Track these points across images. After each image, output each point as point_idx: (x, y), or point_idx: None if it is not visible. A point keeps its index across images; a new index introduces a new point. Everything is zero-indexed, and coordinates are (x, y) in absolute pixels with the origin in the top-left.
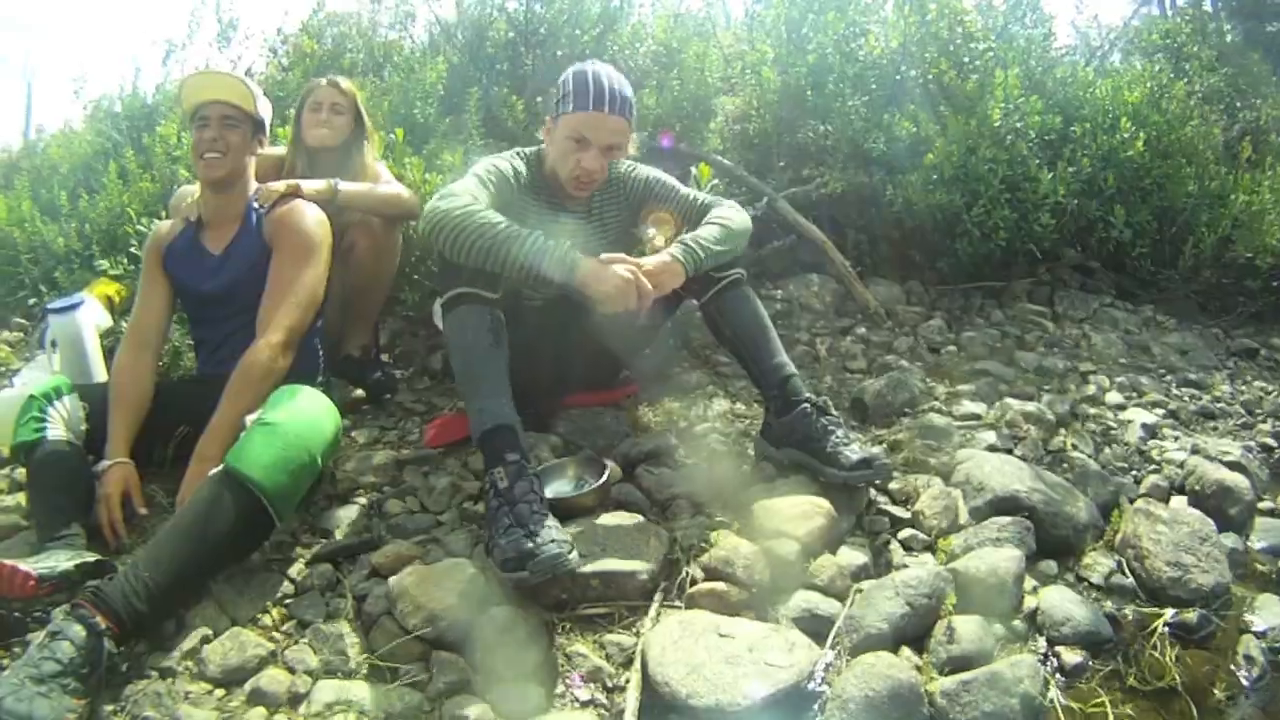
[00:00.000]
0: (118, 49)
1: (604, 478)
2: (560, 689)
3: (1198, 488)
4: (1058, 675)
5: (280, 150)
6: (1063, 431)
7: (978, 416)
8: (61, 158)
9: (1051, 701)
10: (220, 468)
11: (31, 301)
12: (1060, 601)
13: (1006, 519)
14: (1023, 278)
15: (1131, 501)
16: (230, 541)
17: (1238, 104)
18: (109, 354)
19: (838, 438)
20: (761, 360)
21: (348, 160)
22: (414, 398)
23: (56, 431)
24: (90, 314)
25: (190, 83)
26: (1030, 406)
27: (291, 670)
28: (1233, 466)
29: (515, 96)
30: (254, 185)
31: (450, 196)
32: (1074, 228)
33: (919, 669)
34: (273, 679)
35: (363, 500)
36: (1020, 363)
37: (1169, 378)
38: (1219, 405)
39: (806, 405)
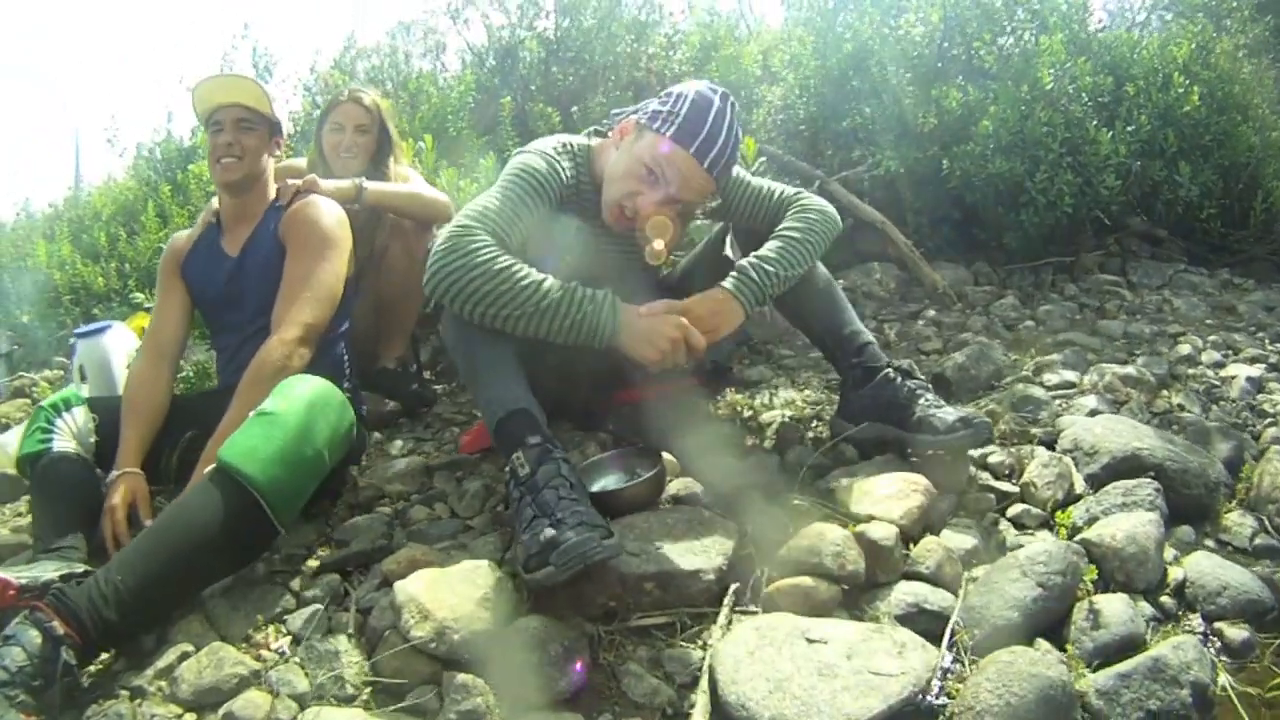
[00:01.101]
0: (153, 95)
1: (657, 468)
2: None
3: None
4: (1223, 657)
5: (301, 162)
6: (1165, 392)
7: (1072, 384)
8: (103, 205)
9: (1224, 689)
10: (212, 465)
11: (71, 341)
12: (1211, 569)
13: (1131, 482)
14: (1091, 250)
15: (1256, 459)
16: (221, 545)
17: None
18: None
19: (928, 400)
20: (835, 329)
21: (375, 177)
22: (455, 409)
23: (64, 443)
24: (118, 338)
25: (202, 88)
26: (1128, 369)
27: (274, 693)
28: None
29: (550, 108)
30: (273, 187)
31: (462, 241)
32: (1139, 191)
33: (1064, 664)
34: (250, 703)
35: (387, 509)
36: (1105, 332)
37: (1261, 334)
38: None
39: (890, 370)
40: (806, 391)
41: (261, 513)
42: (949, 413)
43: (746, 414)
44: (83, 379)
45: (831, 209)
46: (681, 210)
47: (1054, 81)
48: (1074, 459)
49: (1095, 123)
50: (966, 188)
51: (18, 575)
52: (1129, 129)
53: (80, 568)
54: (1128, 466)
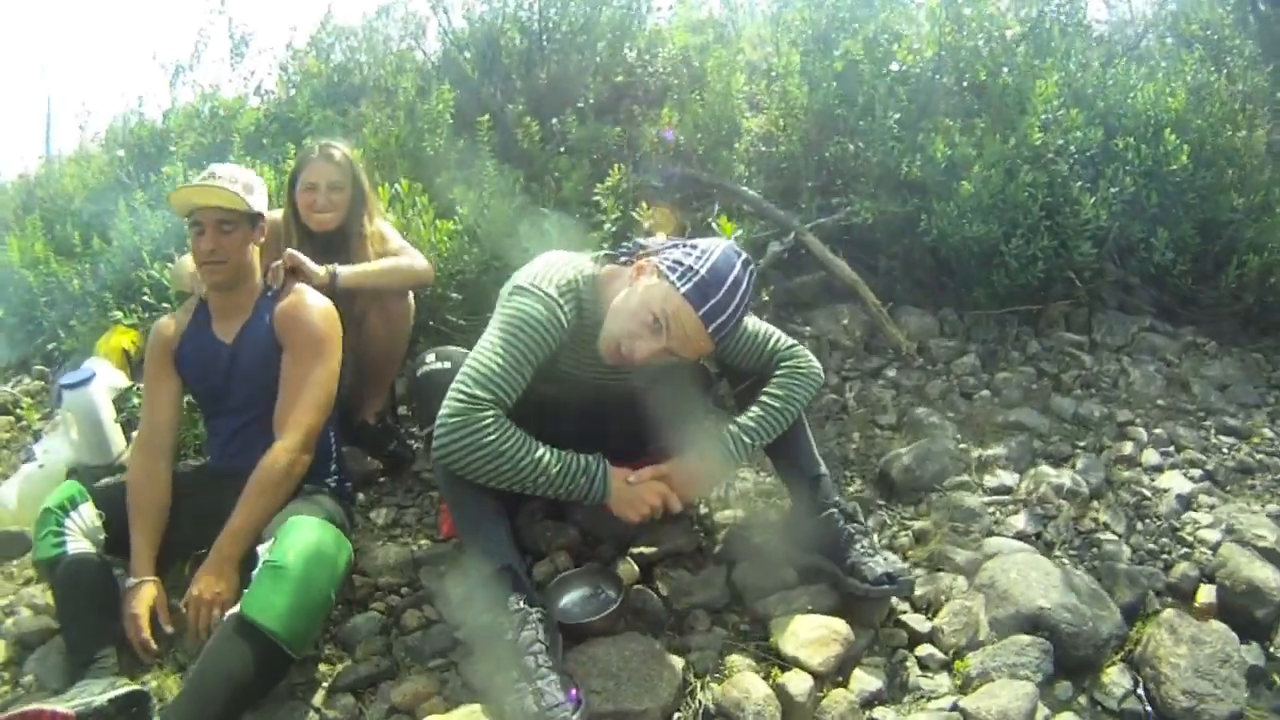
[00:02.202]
0: (127, 71)
1: (617, 603)
2: None
3: (1228, 583)
4: None
5: (276, 216)
6: (1096, 505)
7: (1009, 490)
8: (75, 188)
9: None
10: (236, 612)
11: (50, 346)
12: None
13: (1026, 640)
14: (1059, 299)
15: (1159, 594)
16: (253, 686)
17: None
18: (127, 425)
19: (862, 548)
20: (793, 457)
21: (350, 234)
22: (431, 465)
23: (78, 544)
24: (102, 387)
25: (181, 192)
26: (1064, 478)
27: None
28: (1266, 554)
29: (530, 118)
30: (259, 272)
31: (470, 418)
32: (1115, 249)
33: None
34: None
35: (380, 607)
36: (1056, 410)
37: (1208, 422)
38: (1259, 457)
39: (834, 511)
40: (762, 474)
41: (284, 653)
42: (879, 564)
43: (703, 510)
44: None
45: (817, 369)
46: (676, 358)
47: (1043, 135)
48: (987, 597)
49: (1080, 183)
50: (941, 243)
51: (71, 705)
52: (1113, 189)
53: (123, 686)
54: (1029, 624)
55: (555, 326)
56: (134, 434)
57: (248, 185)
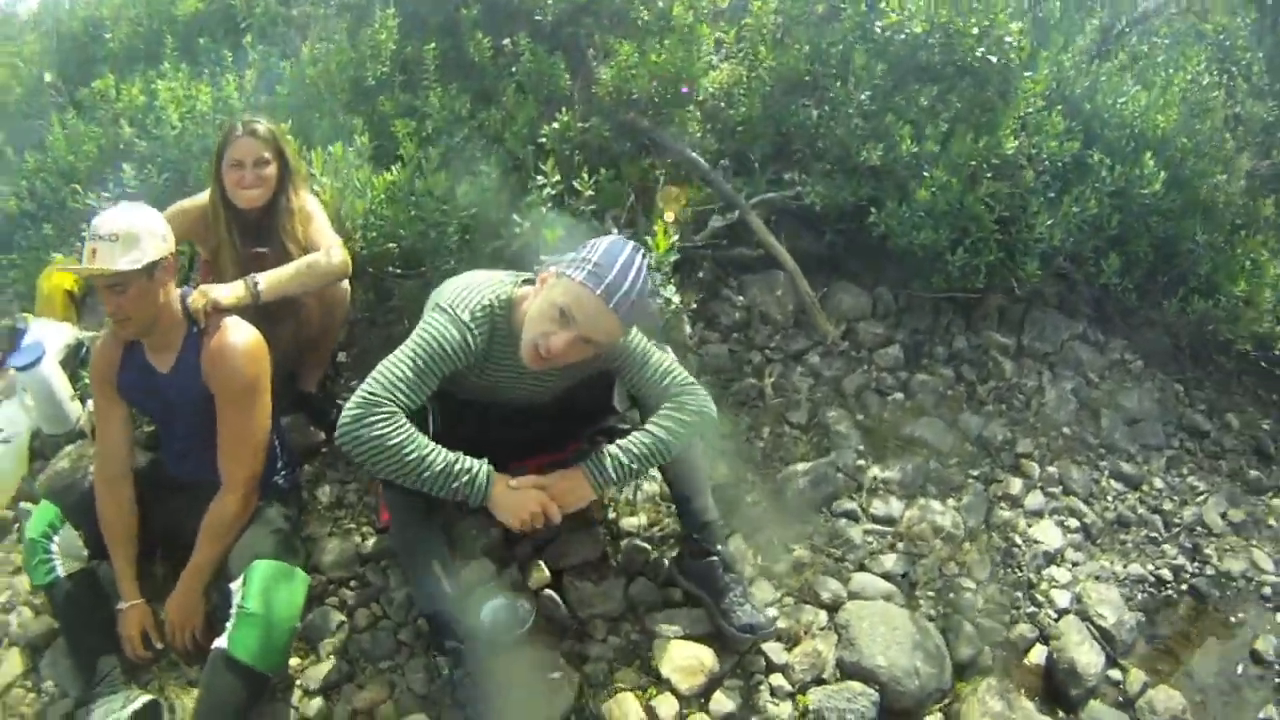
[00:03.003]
0: None
1: (531, 619)
2: None
3: (1055, 655)
4: None
5: (201, 200)
6: (968, 546)
7: (893, 521)
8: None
9: None
10: (223, 651)
11: (9, 368)
12: None
13: (859, 688)
14: (999, 292)
15: (996, 646)
16: (245, 704)
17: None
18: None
19: (734, 596)
20: (687, 497)
21: (278, 210)
22: None
23: (65, 565)
24: (52, 361)
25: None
26: (945, 517)
27: None
28: (1102, 635)
29: (481, 32)
30: (178, 303)
31: (369, 413)
32: (1064, 258)
33: None
34: None
35: (334, 602)
36: (962, 427)
37: (1104, 463)
38: (1140, 510)
39: (715, 559)
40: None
41: (265, 676)
42: (746, 613)
43: (611, 514)
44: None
45: (706, 410)
46: (589, 346)
47: (1016, 142)
48: (840, 637)
49: (1042, 198)
50: (888, 239)
51: None
52: (1076, 209)
53: (137, 699)
54: (866, 675)
55: (464, 349)
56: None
57: (130, 238)
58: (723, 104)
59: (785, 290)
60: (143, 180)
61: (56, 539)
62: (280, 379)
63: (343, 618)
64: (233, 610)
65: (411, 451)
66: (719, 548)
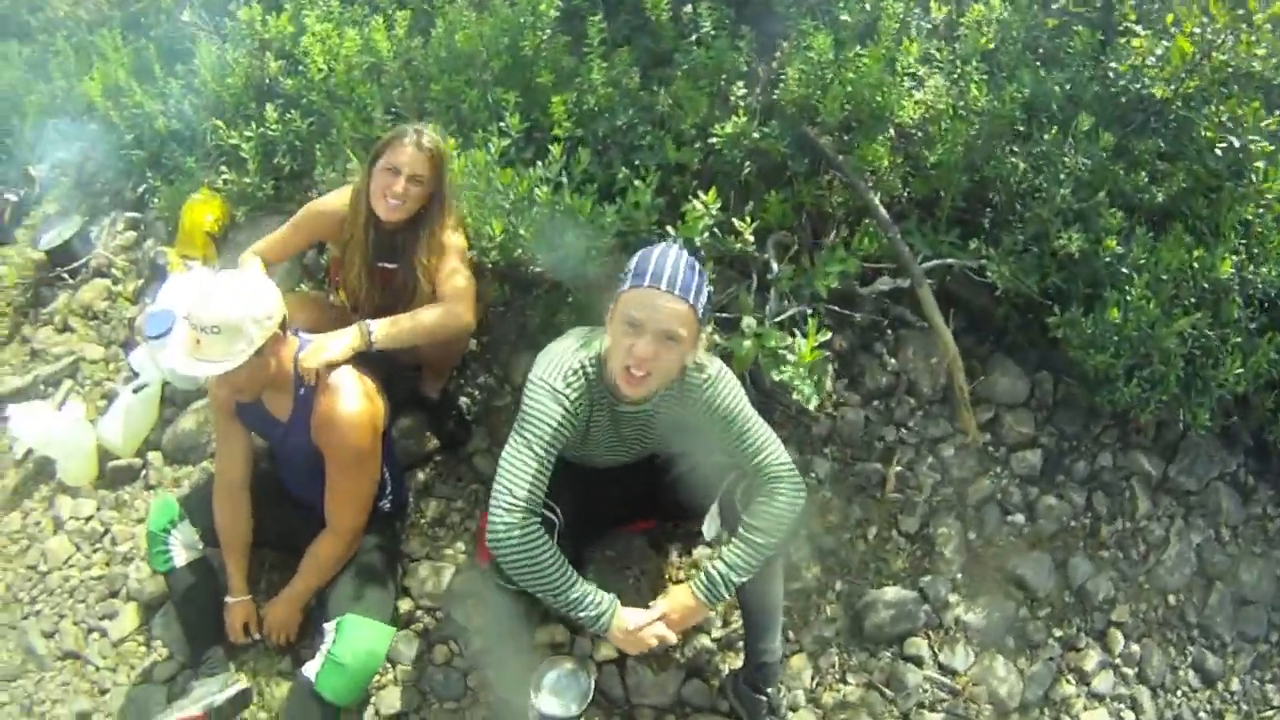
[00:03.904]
0: None
1: (587, 699)
2: None
3: None
4: None
5: (341, 202)
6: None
7: (954, 673)
8: None
9: None
10: (311, 684)
11: (141, 189)
12: None
13: None
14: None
15: None
16: None
17: None
18: None
19: None
20: (755, 633)
21: (417, 233)
22: (486, 443)
23: (180, 558)
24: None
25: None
26: (1005, 684)
27: None
28: None
29: None
30: (292, 359)
31: (518, 524)
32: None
33: None
34: None
35: (418, 628)
36: (1069, 571)
37: (1191, 649)
38: (1202, 715)
39: (764, 700)
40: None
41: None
42: None
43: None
44: (157, 340)
45: (801, 497)
46: (670, 342)
47: (1233, 268)
48: None
49: (1238, 338)
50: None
51: (199, 706)
52: (1274, 356)
53: (233, 685)
54: None
55: (569, 419)
56: None
57: (233, 330)
58: (918, 135)
59: (941, 360)
60: (285, 124)
61: (175, 533)
62: (399, 388)
63: (423, 647)
64: (323, 650)
65: (556, 576)
66: (770, 690)
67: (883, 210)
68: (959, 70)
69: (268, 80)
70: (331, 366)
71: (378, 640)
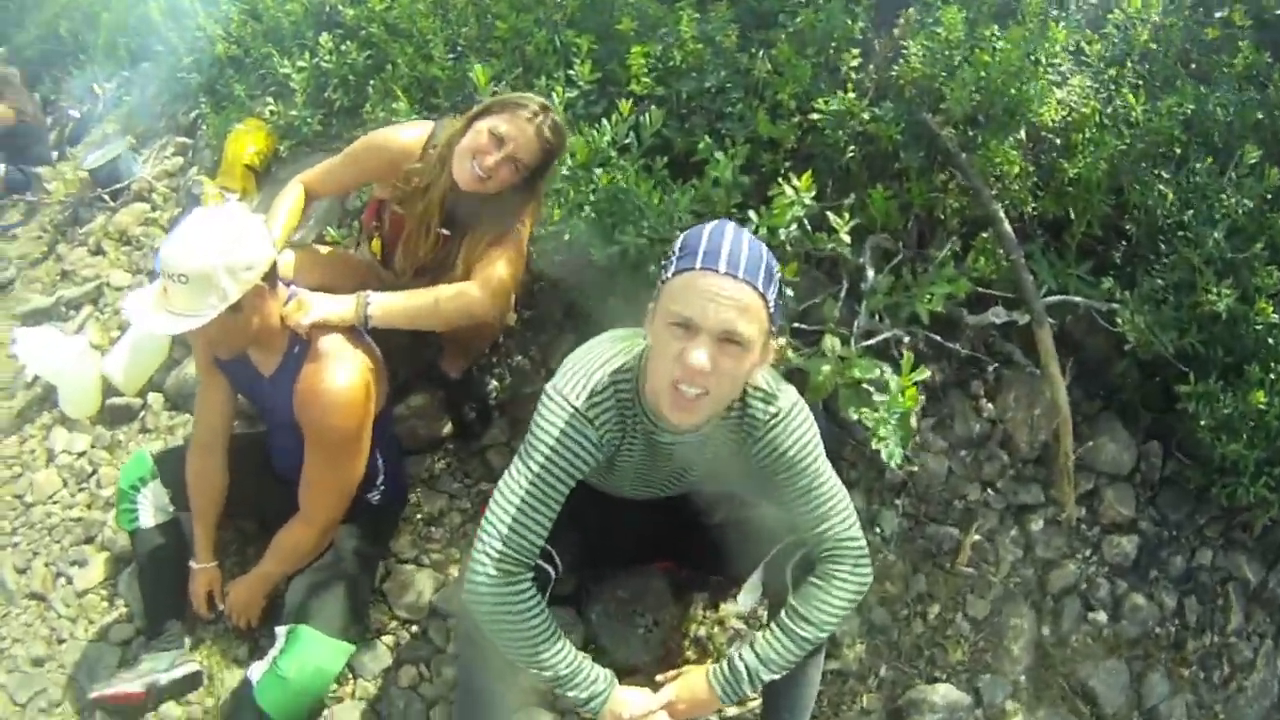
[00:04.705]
0: None
1: None
2: None
3: None
4: None
5: (410, 141)
6: None
7: None
8: None
9: None
10: (251, 692)
11: (194, 115)
12: None
13: None
14: None
15: None
16: None
17: None
18: None
19: None
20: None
21: (489, 211)
22: (506, 437)
23: (147, 518)
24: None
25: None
26: None
27: None
28: None
29: None
30: (278, 314)
31: (502, 579)
32: None
33: None
34: None
35: (389, 643)
36: (1144, 690)
37: None
38: None
39: None
40: None
41: None
42: None
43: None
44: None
45: (866, 584)
46: (731, 346)
47: None
48: None
49: None
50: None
51: (141, 681)
52: None
53: (181, 668)
54: None
55: (589, 451)
56: None
57: (203, 280)
58: (1056, 142)
59: (1046, 413)
60: (339, 56)
61: (145, 492)
62: (416, 358)
63: (389, 663)
64: (270, 656)
65: (542, 645)
66: None
67: (1006, 224)
68: (1108, 72)
69: (328, 9)
70: (320, 329)
71: (329, 659)
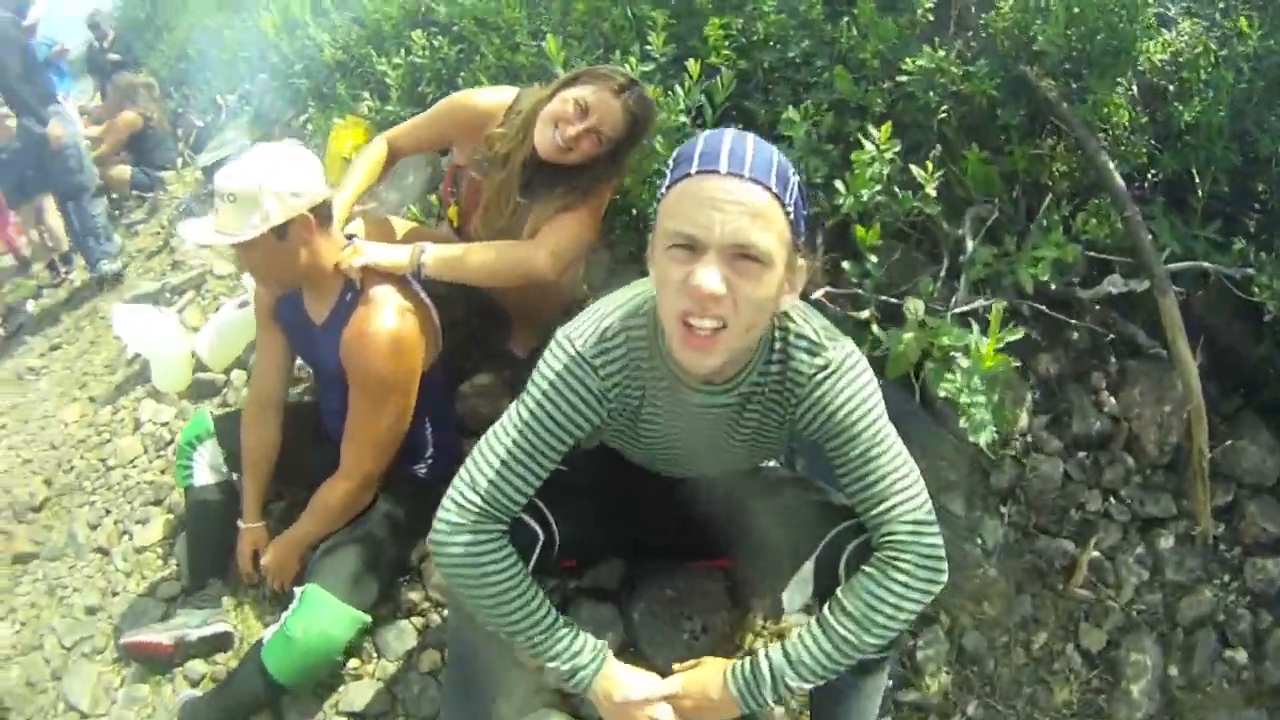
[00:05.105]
0: None
1: None
2: None
3: None
4: None
5: (492, 103)
6: None
7: None
8: None
9: None
10: (259, 651)
11: (304, 118)
12: None
13: None
14: None
15: None
16: (261, 698)
17: None
18: None
19: None
20: None
21: (568, 184)
22: None
23: (203, 476)
24: None
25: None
26: None
27: None
28: None
29: None
30: (330, 256)
31: (466, 527)
32: None
33: None
34: None
35: (419, 624)
36: None
37: None
38: None
39: None
40: None
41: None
42: None
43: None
44: None
45: (932, 583)
46: (746, 260)
47: None
48: None
49: None
50: None
51: (170, 636)
52: None
53: (213, 623)
54: None
55: (593, 405)
56: None
57: (249, 199)
58: (1169, 89)
59: (1177, 410)
60: (432, 51)
61: (201, 450)
62: (492, 339)
63: (414, 644)
64: (283, 617)
65: (516, 606)
66: None
67: (1117, 178)
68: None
69: (423, 9)
70: (372, 275)
71: (337, 623)
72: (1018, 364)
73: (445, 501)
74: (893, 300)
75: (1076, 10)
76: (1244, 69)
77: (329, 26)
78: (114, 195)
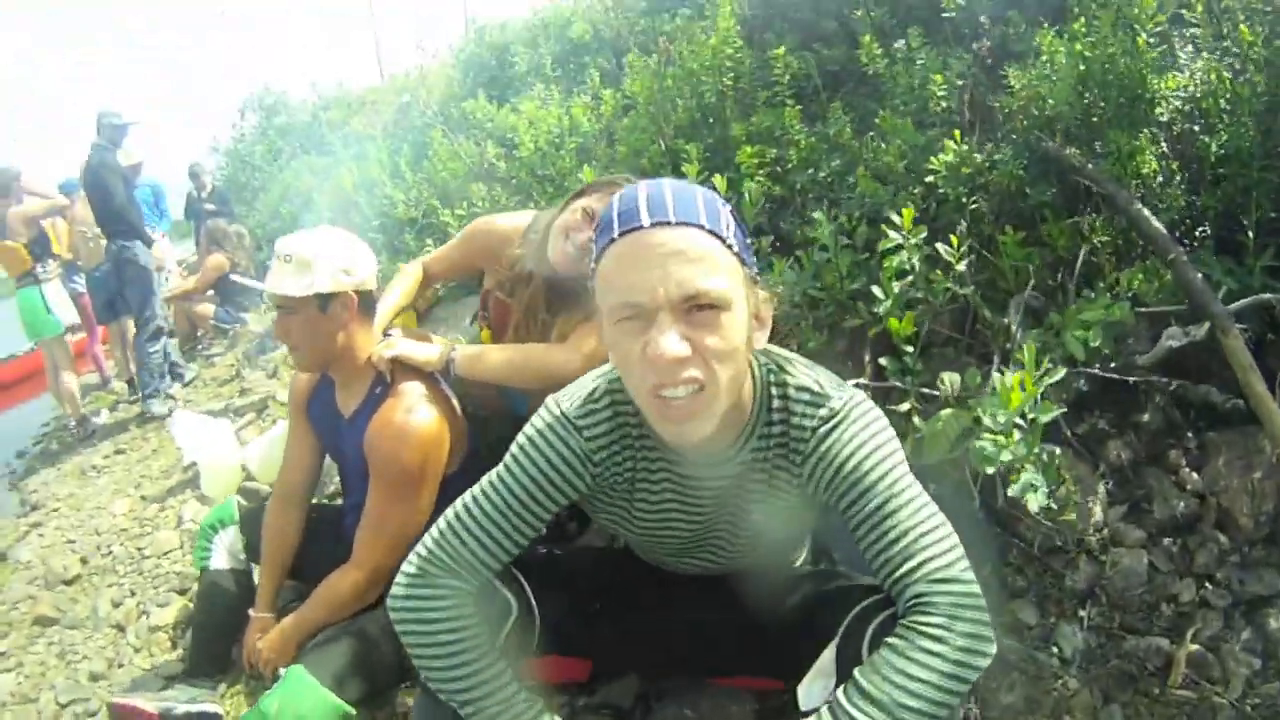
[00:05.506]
0: None
1: None
2: None
3: None
4: None
5: (510, 226)
6: None
7: None
8: (429, 89)
9: None
10: None
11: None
12: None
13: None
14: None
15: None
16: None
17: None
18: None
19: None
20: None
21: (575, 293)
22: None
23: (219, 560)
24: None
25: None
26: None
27: None
28: None
29: (872, 35)
30: (365, 349)
31: (410, 565)
32: None
33: None
34: None
35: None
36: None
37: None
38: None
39: None
40: None
41: None
42: None
43: None
44: None
45: (974, 644)
46: (699, 310)
47: None
48: None
49: None
50: None
51: (156, 706)
52: None
53: (207, 704)
54: None
55: (562, 460)
56: None
57: (303, 263)
58: (1194, 126)
59: (1269, 472)
60: (491, 200)
61: (221, 534)
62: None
63: None
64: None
65: (455, 667)
66: None
67: (1154, 221)
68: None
69: (486, 164)
70: (402, 370)
71: (315, 709)
72: (1077, 444)
73: (409, 555)
74: (935, 392)
75: (1083, 68)
76: (1258, 81)
77: (404, 186)
78: (200, 331)
